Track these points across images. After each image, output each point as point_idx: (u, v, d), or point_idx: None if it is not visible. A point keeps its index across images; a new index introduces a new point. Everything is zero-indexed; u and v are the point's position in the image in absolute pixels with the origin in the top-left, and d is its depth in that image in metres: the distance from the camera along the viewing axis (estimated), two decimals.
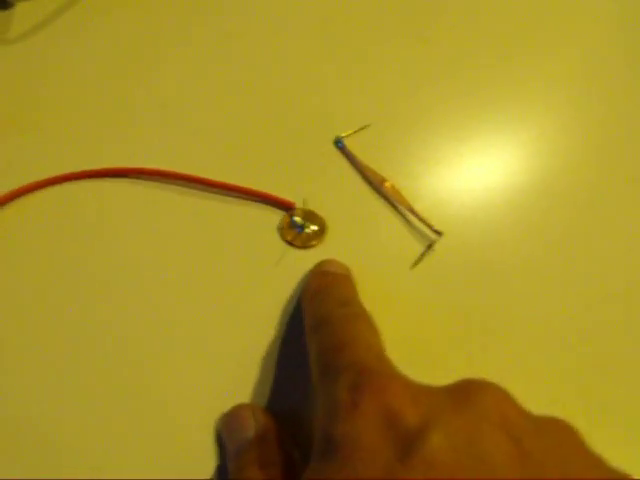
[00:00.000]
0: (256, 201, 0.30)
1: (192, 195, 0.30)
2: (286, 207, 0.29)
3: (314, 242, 0.29)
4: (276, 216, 0.29)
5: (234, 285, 0.28)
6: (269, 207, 0.30)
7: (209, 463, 0.23)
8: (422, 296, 0.28)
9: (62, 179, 0.30)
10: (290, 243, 0.28)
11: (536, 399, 0.21)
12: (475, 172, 0.32)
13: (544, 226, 0.30)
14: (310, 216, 0.29)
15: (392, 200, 0.30)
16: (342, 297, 0.24)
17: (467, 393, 0.18)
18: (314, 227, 0.29)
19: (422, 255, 0.28)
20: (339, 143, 0.31)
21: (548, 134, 0.33)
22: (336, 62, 0.35)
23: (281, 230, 0.29)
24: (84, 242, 0.28)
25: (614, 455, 0.18)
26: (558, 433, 0.18)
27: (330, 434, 0.17)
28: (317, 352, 0.21)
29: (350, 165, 0.31)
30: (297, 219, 0.29)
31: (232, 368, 0.25)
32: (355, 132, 0.32)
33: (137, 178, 0.30)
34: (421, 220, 0.29)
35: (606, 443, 0.18)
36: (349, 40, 0.37)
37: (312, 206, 0.29)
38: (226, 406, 0.24)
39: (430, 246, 0.29)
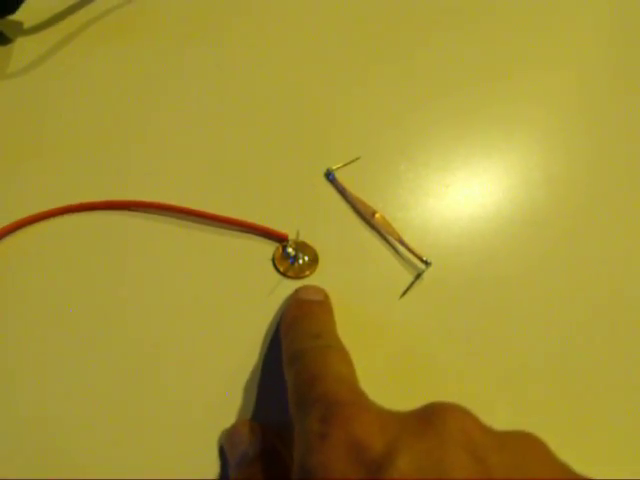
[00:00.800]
0: (250, 233, 0.31)
1: (188, 227, 0.31)
2: (279, 239, 0.30)
3: (307, 272, 0.29)
4: (269, 247, 0.30)
5: (229, 314, 0.28)
6: (263, 239, 0.30)
7: (207, 474, 0.24)
8: (411, 325, 0.28)
9: (60, 212, 0.31)
10: (283, 274, 0.29)
11: (524, 419, 0.22)
12: (462, 202, 0.33)
13: (530, 255, 0.31)
14: (302, 247, 0.30)
15: (382, 231, 0.31)
16: (314, 329, 0.25)
17: (431, 416, 0.19)
18: (306, 258, 0.30)
19: (411, 285, 0.29)
20: (330, 175, 0.32)
21: (534, 162, 0.34)
22: (327, 95, 0.37)
23: (274, 261, 0.30)
24: (83, 273, 0.29)
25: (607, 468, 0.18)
26: (523, 447, 0.19)
27: (304, 465, 0.18)
28: (292, 386, 0.22)
29: (341, 197, 0.32)
30: (290, 250, 0.30)
31: (227, 390, 0.26)
32: (346, 164, 0.33)
33: (135, 211, 0.31)
34: (410, 251, 0.30)
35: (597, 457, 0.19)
36: (339, 73, 0.38)
37: (304, 237, 0.30)
38: (224, 420, 0.25)
39: (419, 276, 0.29)
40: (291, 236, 0.30)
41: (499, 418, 0.20)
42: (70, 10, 0.40)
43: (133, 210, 0.31)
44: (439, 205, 0.32)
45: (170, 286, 0.29)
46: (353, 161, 0.33)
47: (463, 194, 0.33)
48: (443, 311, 0.29)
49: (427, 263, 0.29)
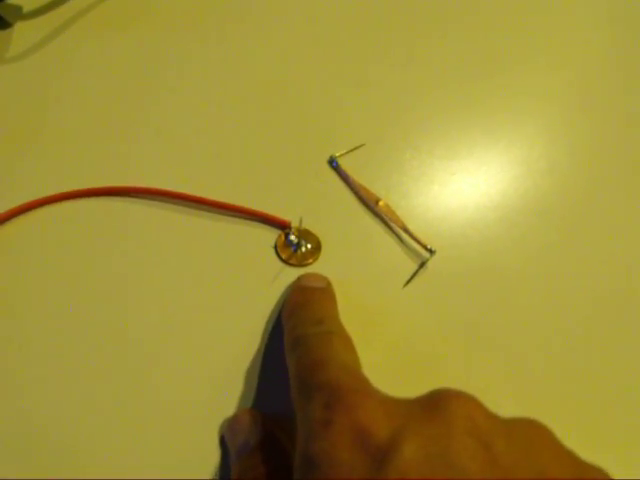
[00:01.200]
0: (252, 220, 0.30)
1: (190, 214, 0.30)
2: (282, 226, 0.30)
3: (310, 260, 0.29)
4: (272, 235, 0.30)
5: (231, 301, 0.28)
6: (265, 226, 0.30)
7: (208, 463, 0.24)
8: (415, 313, 0.28)
9: (61, 198, 0.30)
10: (286, 261, 0.29)
11: (528, 408, 0.22)
12: (467, 191, 0.32)
13: (535, 243, 0.31)
14: (305, 235, 0.30)
15: (386, 219, 0.30)
16: (317, 315, 0.25)
17: (437, 402, 0.18)
18: (309, 245, 0.29)
19: (415, 273, 0.29)
20: (333, 162, 0.32)
21: (538, 152, 0.34)
22: (330, 81, 0.36)
23: (277, 248, 0.29)
24: (84, 260, 0.29)
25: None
26: (529, 433, 0.18)
27: (307, 452, 0.18)
28: (294, 371, 0.22)
29: (344, 184, 0.32)
30: (292, 238, 0.29)
31: (229, 378, 0.26)
32: (349, 151, 0.33)
33: (137, 197, 0.31)
34: (414, 239, 0.29)
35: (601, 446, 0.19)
36: (343, 60, 0.37)
37: (307, 225, 0.30)
38: (225, 409, 0.25)
39: (423, 264, 0.29)
40: (294, 223, 0.30)
41: (502, 407, 0.19)
42: None
43: (134, 196, 0.31)
44: (443, 193, 0.32)
45: (171, 273, 0.29)
46: (357, 148, 0.33)
47: (468, 183, 0.33)
48: (447, 300, 0.28)
49: (431, 251, 0.29)
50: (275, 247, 0.29)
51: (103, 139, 0.33)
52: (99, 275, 0.28)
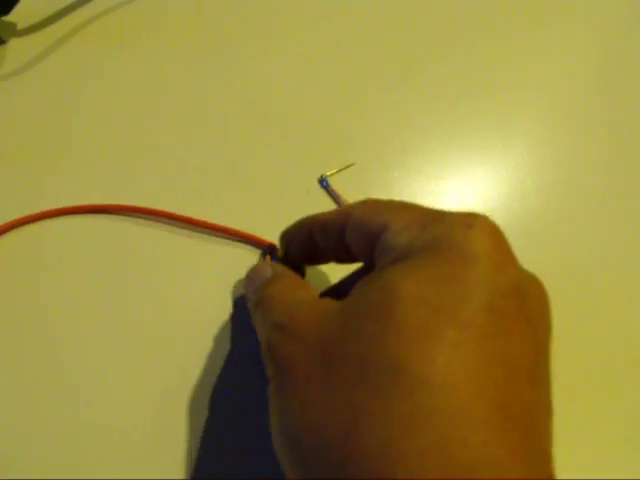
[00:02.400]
0: (238, 241, 0.30)
1: (174, 232, 0.30)
2: (267, 248, 0.30)
3: None
4: (257, 256, 0.30)
5: (212, 323, 0.28)
6: (251, 247, 0.30)
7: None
8: None
9: (41, 216, 0.30)
10: None
11: None
12: (455, 210, 0.32)
13: (523, 263, 0.31)
14: None
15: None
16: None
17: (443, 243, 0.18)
18: None
19: None
20: (324, 182, 0.32)
21: (526, 172, 0.34)
22: (321, 101, 0.36)
23: None
24: (69, 275, 0.29)
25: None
26: (535, 291, 0.19)
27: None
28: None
29: (335, 203, 0.32)
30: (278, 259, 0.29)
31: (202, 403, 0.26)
32: (339, 170, 0.33)
33: (120, 215, 0.31)
34: None
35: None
36: (333, 79, 0.38)
37: None
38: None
39: None
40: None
41: None
42: (64, 12, 0.40)
43: (121, 214, 0.31)
44: None
45: (151, 289, 0.29)
46: (347, 167, 0.33)
47: (456, 202, 0.33)
48: None
49: None
50: None
51: (89, 157, 0.33)
52: (83, 290, 0.28)
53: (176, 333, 0.28)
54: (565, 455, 0.18)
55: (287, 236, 0.26)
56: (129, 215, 0.31)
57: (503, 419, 0.15)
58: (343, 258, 0.24)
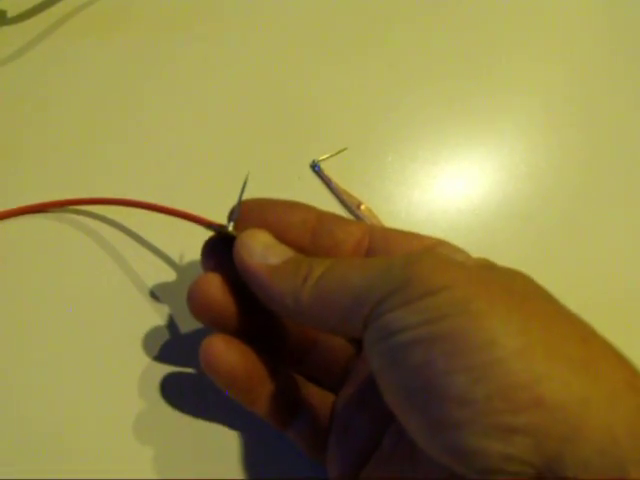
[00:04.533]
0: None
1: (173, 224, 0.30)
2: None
3: None
4: None
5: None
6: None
7: None
8: None
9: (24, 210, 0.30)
10: None
11: None
12: (448, 195, 0.32)
13: (516, 249, 0.31)
14: None
15: (368, 223, 0.30)
16: None
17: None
18: None
19: None
20: (316, 166, 0.32)
21: (519, 157, 0.34)
22: (313, 85, 0.36)
23: None
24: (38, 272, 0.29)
25: None
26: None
27: None
28: None
29: (327, 188, 0.32)
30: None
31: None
32: (332, 155, 0.33)
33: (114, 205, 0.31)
34: None
35: None
36: (324, 63, 0.37)
37: None
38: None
39: None
40: None
41: None
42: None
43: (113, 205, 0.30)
44: (425, 197, 0.32)
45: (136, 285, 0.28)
46: (340, 152, 0.33)
47: (449, 187, 0.33)
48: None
49: None
50: None
51: (77, 149, 0.33)
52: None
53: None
54: None
55: None
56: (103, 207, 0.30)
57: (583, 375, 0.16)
58: None
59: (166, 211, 0.28)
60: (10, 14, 0.39)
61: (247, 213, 0.23)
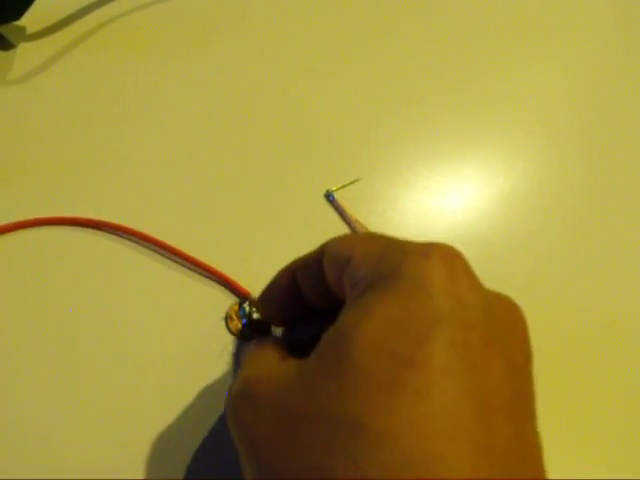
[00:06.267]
0: (215, 281, 0.29)
1: (165, 264, 0.30)
2: (240, 295, 0.29)
3: None
4: (230, 300, 0.29)
5: (174, 367, 0.27)
6: (226, 290, 0.29)
7: None
8: None
9: (40, 222, 0.30)
10: (234, 334, 0.28)
11: None
12: (459, 227, 0.33)
13: (519, 281, 0.32)
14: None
15: None
16: None
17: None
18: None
19: None
20: (330, 197, 0.33)
21: (527, 189, 0.35)
22: (327, 116, 0.37)
23: (227, 319, 0.28)
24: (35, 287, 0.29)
25: None
26: (507, 316, 0.19)
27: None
28: None
29: (340, 219, 0.32)
30: (246, 307, 0.28)
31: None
32: (345, 186, 0.33)
33: (104, 231, 0.31)
34: None
35: None
36: (340, 95, 0.38)
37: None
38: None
39: None
40: (254, 294, 0.28)
41: None
42: (73, 17, 0.40)
43: (104, 230, 0.31)
44: (434, 229, 0.33)
45: (121, 314, 0.28)
46: (353, 182, 0.34)
47: (459, 220, 0.34)
48: None
49: None
50: (226, 318, 0.28)
51: (81, 170, 0.33)
52: (47, 303, 0.28)
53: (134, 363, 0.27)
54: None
55: (267, 292, 0.24)
56: (111, 233, 0.30)
57: (484, 464, 0.14)
58: (328, 301, 0.22)
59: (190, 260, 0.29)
60: (29, 31, 0.40)
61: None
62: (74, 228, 0.31)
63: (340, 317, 0.18)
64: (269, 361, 0.20)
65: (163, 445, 0.25)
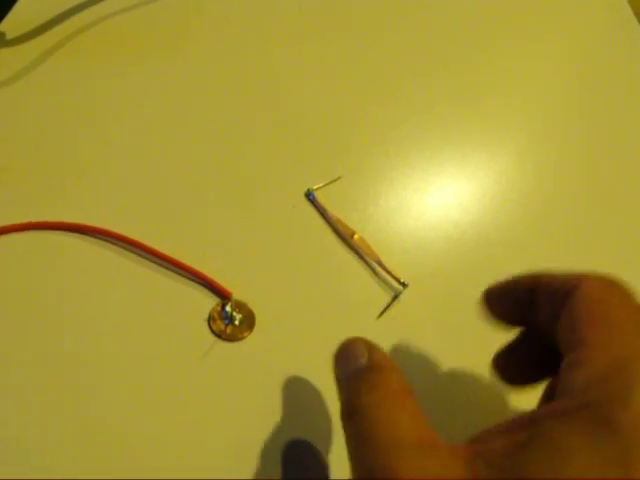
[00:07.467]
0: (197, 282, 0.30)
1: (147, 266, 0.30)
2: (222, 295, 0.29)
3: (245, 334, 0.28)
4: (212, 301, 0.29)
5: (156, 370, 0.27)
6: (207, 291, 0.29)
7: None
8: (388, 345, 0.29)
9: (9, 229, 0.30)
10: (217, 335, 0.28)
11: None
12: (439, 223, 0.33)
13: (505, 275, 0.32)
14: (241, 307, 0.29)
15: (361, 252, 0.31)
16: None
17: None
18: (238, 322, 0.28)
19: (388, 306, 0.30)
20: (310, 195, 0.33)
21: (509, 186, 0.35)
22: (307, 115, 0.37)
23: (210, 320, 0.28)
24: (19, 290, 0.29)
25: None
26: None
27: None
28: None
29: (321, 217, 0.32)
30: (228, 309, 0.28)
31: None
32: (326, 184, 0.33)
33: (87, 235, 0.31)
34: (388, 272, 0.30)
35: None
36: (319, 93, 0.38)
37: (282, 256, 0.31)
38: None
39: (396, 297, 0.30)
40: (235, 295, 0.29)
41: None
42: (53, 22, 0.40)
43: (88, 234, 0.31)
44: (417, 226, 0.33)
45: (104, 318, 0.28)
46: (334, 181, 0.34)
47: (441, 215, 0.34)
48: (420, 331, 0.29)
49: (404, 285, 0.30)
50: (209, 319, 0.28)
51: (70, 173, 0.33)
52: (29, 306, 0.28)
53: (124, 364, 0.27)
54: None
55: (504, 284, 0.24)
56: (93, 236, 0.31)
57: None
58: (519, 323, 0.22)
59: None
60: (9, 36, 0.40)
61: None
62: (58, 232, 0.31)
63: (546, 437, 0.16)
64: (410, 432, 0.18)
65: (144, 446, 0.25)
